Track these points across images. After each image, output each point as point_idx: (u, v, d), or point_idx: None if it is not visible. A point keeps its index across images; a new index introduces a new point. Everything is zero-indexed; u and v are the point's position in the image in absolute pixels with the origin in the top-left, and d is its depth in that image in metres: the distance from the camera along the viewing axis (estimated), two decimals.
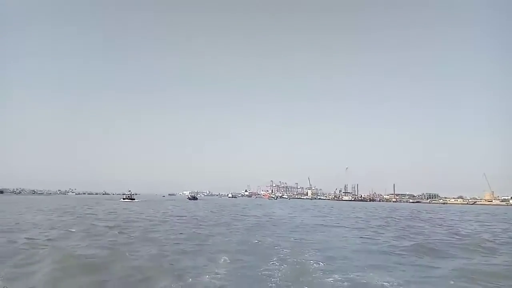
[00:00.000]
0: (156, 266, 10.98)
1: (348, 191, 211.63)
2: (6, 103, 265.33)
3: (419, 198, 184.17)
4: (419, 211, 61.67)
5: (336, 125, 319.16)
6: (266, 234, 20.08)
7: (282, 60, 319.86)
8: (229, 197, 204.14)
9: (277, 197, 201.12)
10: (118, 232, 19.36)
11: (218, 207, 57.12)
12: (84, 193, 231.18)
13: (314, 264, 11.75)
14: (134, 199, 78.81)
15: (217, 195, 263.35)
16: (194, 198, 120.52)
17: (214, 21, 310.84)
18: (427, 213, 56.35)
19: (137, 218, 30.42)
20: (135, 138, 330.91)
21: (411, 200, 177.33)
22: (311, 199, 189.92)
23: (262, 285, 9.32)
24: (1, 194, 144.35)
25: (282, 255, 13.16)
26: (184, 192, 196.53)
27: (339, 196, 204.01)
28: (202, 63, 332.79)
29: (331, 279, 9.92)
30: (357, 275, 10.36)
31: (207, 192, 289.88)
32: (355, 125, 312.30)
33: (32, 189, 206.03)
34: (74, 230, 19.92)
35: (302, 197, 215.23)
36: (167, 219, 29.84)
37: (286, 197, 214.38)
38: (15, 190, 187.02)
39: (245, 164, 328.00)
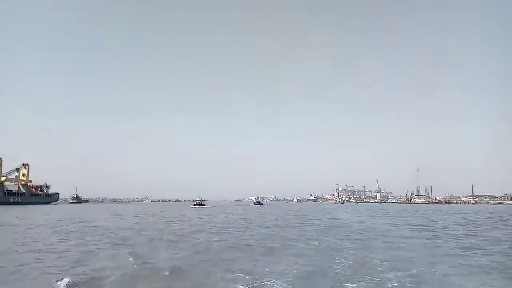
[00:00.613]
0: None
1: (421, 194, 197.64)
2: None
3: (501, 199, 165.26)
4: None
5: (403, 124, 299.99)
6: (331, 235, 20.46)
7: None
8: (294, 201, 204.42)
9: (343, 201, 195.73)
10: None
11: (284, 212, 57.93)
12: (158, 200, 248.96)
13: (378, 262, 12.05)
14: (204, 205, 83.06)
15: (282, 200, 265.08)
16: (260, 203, 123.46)
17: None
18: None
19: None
20: (199, 146, 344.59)
21: (492, 202, 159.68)
22: (380, 203, 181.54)
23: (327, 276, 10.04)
24: (87, 203, 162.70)
25: (347, 255, 13.62)
26: (250, 198, 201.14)
27: (411, 199, 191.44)
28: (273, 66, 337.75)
29: (392, 274, 10.25)
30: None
31: (273, 197, 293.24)
32: (425, 122, 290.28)
33: (113, 197, 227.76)
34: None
35: (370, 201, 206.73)
36: (236, 223, 31.67)
37: (353, 201, 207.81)
38: (97, 199, 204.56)
39: (310, 168, 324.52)
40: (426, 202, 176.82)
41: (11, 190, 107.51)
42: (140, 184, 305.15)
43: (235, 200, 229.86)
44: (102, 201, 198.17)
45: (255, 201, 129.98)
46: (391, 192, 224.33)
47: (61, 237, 19.83)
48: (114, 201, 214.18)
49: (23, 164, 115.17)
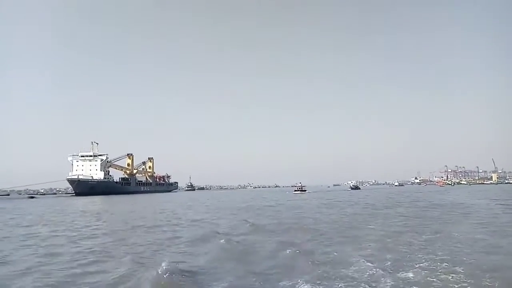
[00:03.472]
0: None
1: None
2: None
3: None
4: None
5: None
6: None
7: None
8: (395, 185, 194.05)
9: (454, 183, 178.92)
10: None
11: (377, 197, 56.64)
12: (259, 186, 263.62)
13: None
14: (305, 191, 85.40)
15: (383, 184, 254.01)
16: (356, 187, 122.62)
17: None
18: None
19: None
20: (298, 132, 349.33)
21: None
22: (496, 184, 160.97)
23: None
24: (203, 190, 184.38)
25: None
26: (349, 182, 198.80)
27: None
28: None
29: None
30: None
31: (373, 181, 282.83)
32: None
33: (219, 185, 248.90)
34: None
35: (485, 182, 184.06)
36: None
37: (465, 182, 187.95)
38: (205, 186, 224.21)
39: (413, 148, 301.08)
40: None
41: (141, 181, 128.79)
42: (241, 171, 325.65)
43: (333, 185, 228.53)
44: (210, 188, 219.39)
45: (351, 186, 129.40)
46: (510, 172, 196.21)
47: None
48: (221, 188, 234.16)
49: (149, 158, 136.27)
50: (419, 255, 10.35)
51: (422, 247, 11.77)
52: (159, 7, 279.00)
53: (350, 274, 8.57)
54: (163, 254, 11.86)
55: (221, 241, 13.81)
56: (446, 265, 9.14)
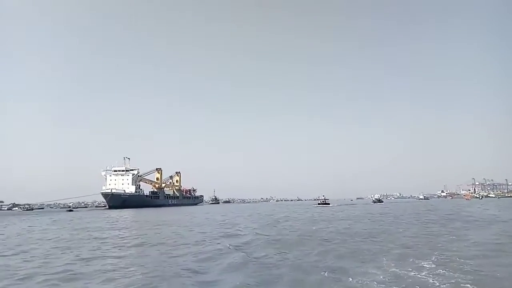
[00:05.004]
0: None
1: None
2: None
3: None
4: None
5: None
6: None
7: None
8: (421, 198, 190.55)
9: (481, 196, 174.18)
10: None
11: (397, 211, 58.42)
12: (281, 200, 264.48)
13: None
14: (328, 204, 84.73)
15: (408, 197, 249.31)
16: (379, 201, 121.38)
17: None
18: None
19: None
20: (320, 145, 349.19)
21: None
22: None
23: None
24: (228, 203, 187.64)
25: None
26: (374, 195, 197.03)
27: None
28: None
29: None
30: None
31: (398, 194, 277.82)
32: None
33: (241, 198, 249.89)
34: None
35: None
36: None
37: (493, 195, 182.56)
38: (228, 199, 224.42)
39: (439, 160, 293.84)
40: None
41: (169, 194, 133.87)
42: (263, 185, 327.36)
43: (357, 199, 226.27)
44: (233, 202, 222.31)
45: (374, 199, 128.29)
46: None
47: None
48: (243, 201, 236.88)
49: (176, 172, 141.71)
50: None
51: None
52: None
53: None
54: None
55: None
56: None
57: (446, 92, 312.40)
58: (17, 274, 11.27)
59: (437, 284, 8.86)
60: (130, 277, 10.56)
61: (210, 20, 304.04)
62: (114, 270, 11.53)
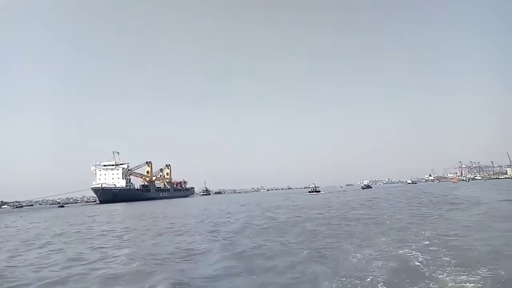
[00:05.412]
0: None
1: None
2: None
3: None
4: None
5: None
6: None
7: None
8: (408, 183, 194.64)
9: (468, 179, 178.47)
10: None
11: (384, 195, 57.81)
12: (272, 189, 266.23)
13: None
14: (319, 191, 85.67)
15: (396, 182, 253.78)
16: (368, 186, 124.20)
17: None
18: None
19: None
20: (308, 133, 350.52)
21: None
22: (511, 178, 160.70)
23: None
24: (219, 194, 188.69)
25: None
26: (363, 181, 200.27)
27: None
28: None
29: None
30: None
31: (386, 179, 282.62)
32: None
33: (232, 189, 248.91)
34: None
35: (499, 177, 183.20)
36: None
37: (480, 178, 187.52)
38: (219, 190, 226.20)
39: (427, 145, 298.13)
40: None
41: (160, 187, 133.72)
42: (253, 175, 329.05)
43: (346, 185, 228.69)
44: (224, 193, 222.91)
45: (363, 185, 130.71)
46: None
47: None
48: (234, 192, 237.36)
49: (166, 165, 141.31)
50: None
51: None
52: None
53: None
54: None
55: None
56: None
57: (432, 77, 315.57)
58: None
59: (421, 258, 9.37)
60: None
61: (210, 20, 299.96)
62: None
